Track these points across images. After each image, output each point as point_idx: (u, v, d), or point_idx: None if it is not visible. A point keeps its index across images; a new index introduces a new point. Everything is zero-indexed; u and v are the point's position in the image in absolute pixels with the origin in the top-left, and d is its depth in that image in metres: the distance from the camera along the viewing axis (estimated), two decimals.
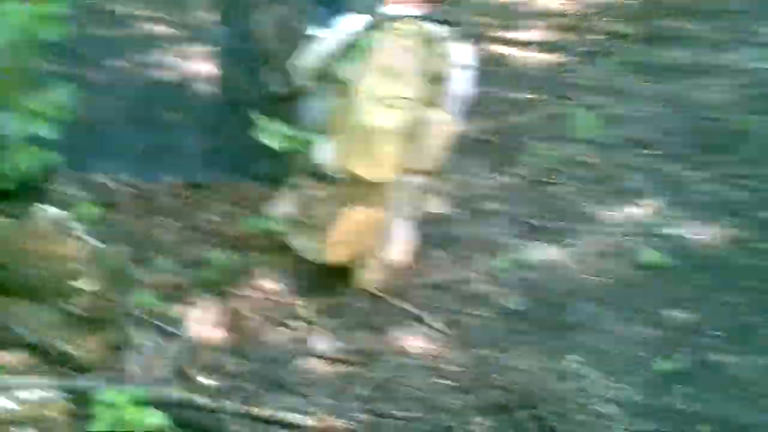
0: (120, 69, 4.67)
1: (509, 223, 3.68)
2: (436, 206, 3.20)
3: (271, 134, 2.90)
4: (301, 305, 2.93)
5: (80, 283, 2.46)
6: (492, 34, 7.13)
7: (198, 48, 4.91)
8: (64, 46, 3.47)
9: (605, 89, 5.62)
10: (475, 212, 3.78)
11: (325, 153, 2.79)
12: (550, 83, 5.76)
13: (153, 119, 4.04)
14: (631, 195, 3.96)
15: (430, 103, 2.83)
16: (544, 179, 4.14)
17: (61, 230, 2.66)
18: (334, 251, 2.86)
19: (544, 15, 7.85)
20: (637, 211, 3.81)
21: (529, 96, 5.48)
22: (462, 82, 2.98)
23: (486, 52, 6.52)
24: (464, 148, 4.48)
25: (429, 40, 2.82)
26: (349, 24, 2.92)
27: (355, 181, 2.76)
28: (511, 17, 7.81)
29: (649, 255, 3.35)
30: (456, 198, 3.90)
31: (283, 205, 3.07)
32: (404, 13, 2.90)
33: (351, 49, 2.85)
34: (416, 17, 2.89)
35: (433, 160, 2.93)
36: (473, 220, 3.69)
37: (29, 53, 2.93)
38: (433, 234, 3.51)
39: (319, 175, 2.88)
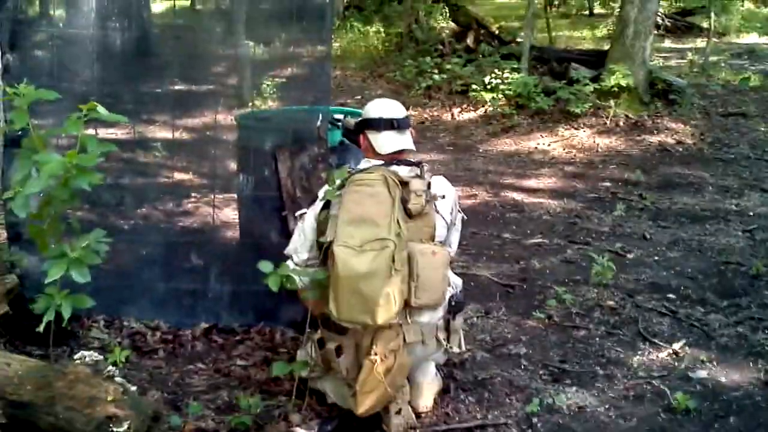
0: (147, 216, 4.77)
1: (537, 367, 3.68)
2: (457, 345, 3.07)
3: (274, 278, 2.92)
4: None
5: (117, 428, 2.46)
6: (506, 181, 7.35)
7: (223, 195, 5.05)
8: (94, 194, 3.57)
9: (620, 235, 5.74)
10: (503, 356, 3.79)
11: (330, 304, 2.76)
12: (565, 229, 5.88)
13: (181, 265, 4.11)
14: (657, 338, 3.97)
15: (414, 238, 2.87)
16: (569, 323, 4.16)
17: (98, 374, 2.69)
18: (361, 402, 2.82)
19: (555, 164, 8.11)
20: (664, 354, 3.81)
21: (546, 241, 5.59)
22: (445, 211, 3.07)
23: (502, 199, 6.72)
24: (489, 293, 4.59)
25: (400, 182, 2.90)
26: (323, 191, 3.05)
27: (364, 327, 2.78)
28: (523, 165, 8.07)
29: (678, 399, 3.33)
30: (484, 342, 3.93)
31: (306, 352, 3.06)
32: (374, 164, 3.06)
33: (325, 211, 2.95)
34: (385, 164, 3.03)
35: (434, 292, 2.91)
36: (501, 364, 3.69)
37: (63, 201, 3.01)
38: (461, 378, 3.52)
39: (329, 323, 2.88)
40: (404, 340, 2.87)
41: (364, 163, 3.11)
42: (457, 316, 3.06)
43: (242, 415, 3.00)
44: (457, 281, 3.20)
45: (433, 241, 2.96)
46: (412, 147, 3.19)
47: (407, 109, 10.42)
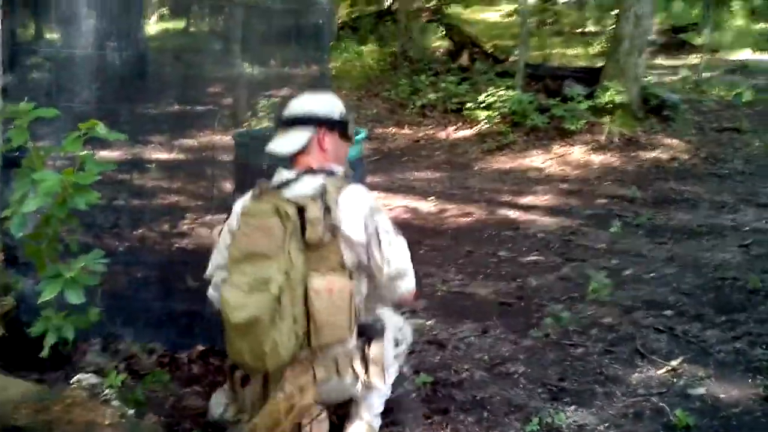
0: (143, 237, 4.77)
1: (536, 386, 3.67)
2: (379, 377, 2.77)
3: None
4: None
5: None
6: (502, 199, 7.37)
7: (220, 216, 5.04)
8: (90, 216, 3.57)
9: (616, 252, 5.74)
10: (500, 375, 3.78)
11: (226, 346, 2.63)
12: (561, 246, 5.89)
13: (177, 287, 4.09)
14: (655, 355, 3.97)
15: (319, 268, 2.59)
16: (567, 341, 4.16)
17: (95, 398, 2.67)
18: None
19: (550, 181, 8.13)
20: (662, 371, 3.80)
21: (542, 258, 5.60)
22: (354, 231, 2.67)
23: (497, 217, 6.73)
24: (486, 311, 4.59)
25: (297, 207, 2.60)
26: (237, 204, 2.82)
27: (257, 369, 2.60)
28: (519, 183, 8.09)
29: (677, 416, 3.32)
30: (482, 361, 3.92)
31: (221, 397, 2.93)
32: (279, 179, 2.74)
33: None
34: (288, 182, 2.71)
35: (336, 330, 2.61)
36: (500, 383, 3.68)
37: (61, 221, 2.99)
38: (459, 398, 3.51)
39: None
40: (314, 376, 2.65)
41: (277, 175, 2.79)
42: (372, 344, 2.77)
43: None
44: (397, 322, 3.01)
45: (342, 269, 2.64)
46: (290, 149, 2.79)
47: (403, 127, 10.50)
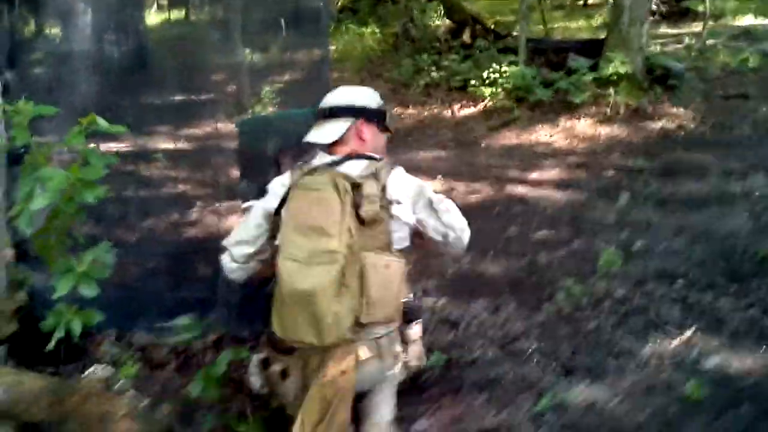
0: (153, 228, 4.78)
1: (548, 362, 3.68)
2: (417, 358, 2.75)
3: None
4: None
5: None
6: (509, 175, 7.35)
7: (228, 203, 5.05)
8: (98, 209, 3.58)
9: (626, 224, 5.71)
10: (513, 352, 3.79)
11: (273, 320, 2.53)
12: (570, 220, 5.87)
13: (189, 275, 4.11)
14: (667, 327, 3.97)
15: (368, 246, 2.54)
16: (579, 315, 4.16)
17: (109, 390, 2.69)
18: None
19: (557, 155, 8.10)
20: (675, 343, 3.80)
21: (552, 233, 5.58)
22: (404, 213, 2.67)
23: (506, 193, 6.72)
24: (498, 289, 4.59)
25: (352, 184, 2.56)
26: (273, 184, 2.77)
27: (310, 348, 2.52)
28: (526, 158, 8.06)
29: (690, 388, 3.32)
30: (495, 339, 3.92)
31: (254, 379, 2.79)
32: (323, 162, 2.70)
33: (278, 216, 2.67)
34: (336, 163, 2.68)
35: (387, 308, 2.58)
36: (512, 361, 3.69)
37: (70, 216, 3.00)
38: (472, 377, 3.52)
39: (275, 342, 2.62)
40: (358, 357, 2.56)
41: (318, 159, 2.76)
42: (412, 325, 2.75)
43: (256, 425, 3.00)
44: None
45: (389, 249, 2.62)
46: (329, 139, 2.76)
47: (407, 107, 10.45)
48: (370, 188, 2.56)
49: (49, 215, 2.97)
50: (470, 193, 6.74)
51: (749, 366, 3.55)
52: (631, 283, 4.55)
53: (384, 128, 2.87)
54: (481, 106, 10.08)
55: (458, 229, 2.74)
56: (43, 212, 2.95)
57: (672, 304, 4.24)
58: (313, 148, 2.83)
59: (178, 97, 4.53)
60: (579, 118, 9.14)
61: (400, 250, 2.67)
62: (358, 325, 2.51)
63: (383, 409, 2.77)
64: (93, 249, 3.01)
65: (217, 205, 4.71)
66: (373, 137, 2.81)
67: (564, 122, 9.12)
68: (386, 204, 2.60)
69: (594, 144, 8.41)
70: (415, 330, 2.75)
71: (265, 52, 4.59)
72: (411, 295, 2.79)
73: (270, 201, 2.72)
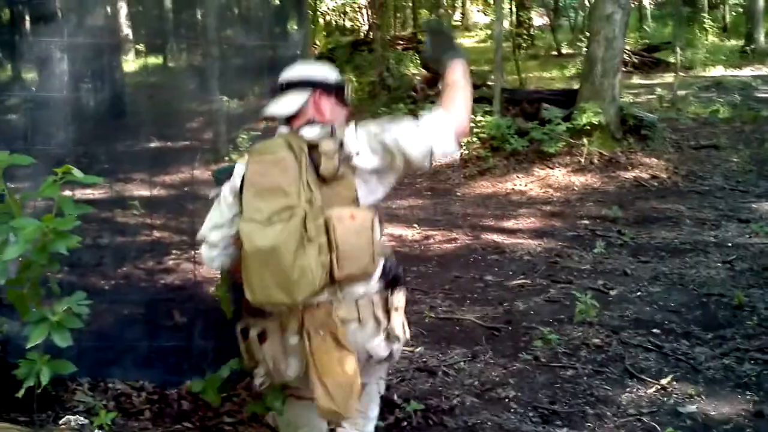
0: (128, 275, 4.74)
1: (526, 410, 3.66)
2: (400, 328, 2.63)
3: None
4: None
5: None
6: (485, 223, 7.39)
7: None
8: (73, 256, 3.54)
9: (602, 272, 5.76)
10: (491, 400, 3.77)
11: (245, 287, 2.45)
12: (546, 268, 5.90)
13: (164, 323, 4.06)
14: (644, 374, 3.97)
15: (333, 204, 2.49)
16: (556, 363, 4.16)
17: None
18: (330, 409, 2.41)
19: (533, 204, 8.16)
20: (652, 390, 3.81)
21: (528, 282, 5.60)
22: (368, 162, 2.60)
23: (482, 241, 6.74)
24: (475, 337, 4.58)
25: (308, 145, 2.54)
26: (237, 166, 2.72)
27: (287, 310, 2.47)
28: (501, 207, 8.12)
29: None
30: (472, 387, 3.90)
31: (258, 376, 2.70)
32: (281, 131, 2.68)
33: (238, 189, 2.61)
34: (293, 130, 2.65)
35: (360, 260, 2.50)
36: (489, 409, 3.66)
37: (42, 266, 2.98)
38: (449, 425, 3.49)
39: (251, 308, 2.55)
40: (338, 317, 2.49)
41: (278, 133, 2.72)
42: (395, 291, 2.65)
43: None
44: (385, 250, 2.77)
45: (356, 205, 2.55)
46: (287, 110, 2.73)
47: None
48: (326, 146, 2.53)
49: (21, 265, 2.94)
50: (447, 242, 6.76)
51: (727, 413, 3.56)
52: (607, 331, 4.56)
53: (343, 102, 2.84)
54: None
55: (425, 143, 2.60)
56: (16, 261, 2.93)
57: (648, 352, 4.26)
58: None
59: (155, 144, 4.52)
60: (553, 168, 9.24)
61: (371, 207, 2.61)
62: (334, 284, 2.47)
63: (372, 410, 2.80)
64: (67, 299, 2.97)
65: (192, 252, 4.67)
66: (331, 110, 2.76)
67: (539, 171, 9.22)
68: (345, 158, 2.56)
69: (568, 193, 8.50)
70: (398, 296, 2.67)
71: (243, 99, 4.61)
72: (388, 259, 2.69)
73: (235, 180, 2.66)
